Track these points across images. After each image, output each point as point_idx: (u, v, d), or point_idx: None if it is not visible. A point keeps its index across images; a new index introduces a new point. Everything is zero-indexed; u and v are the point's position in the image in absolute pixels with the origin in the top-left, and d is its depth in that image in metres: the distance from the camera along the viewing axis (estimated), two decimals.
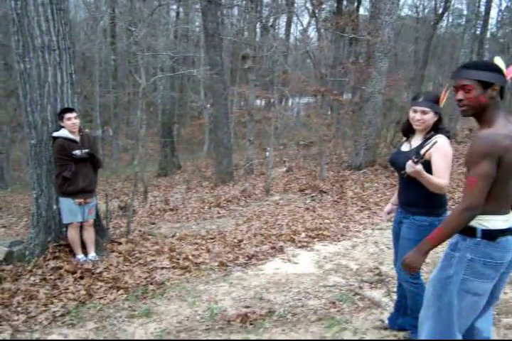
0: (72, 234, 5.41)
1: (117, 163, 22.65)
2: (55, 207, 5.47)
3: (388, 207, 3.70)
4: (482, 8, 25.25)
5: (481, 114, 2.37)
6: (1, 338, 3.81)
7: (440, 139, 3.10)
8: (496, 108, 2.34)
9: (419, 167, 2.93)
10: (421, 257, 2.42)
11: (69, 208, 5.35)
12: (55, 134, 5.25)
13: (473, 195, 2.23)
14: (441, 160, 3.05)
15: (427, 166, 3.08)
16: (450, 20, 33.33)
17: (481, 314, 2.56)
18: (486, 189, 2.23)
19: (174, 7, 25.90)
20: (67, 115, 5.23)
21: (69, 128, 5.26)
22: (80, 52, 27.07)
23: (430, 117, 3.20)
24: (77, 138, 5.34)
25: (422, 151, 3.03)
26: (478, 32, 24.85)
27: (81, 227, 5.49)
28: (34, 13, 5.09)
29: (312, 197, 9.85)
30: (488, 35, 29.33)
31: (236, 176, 13.80)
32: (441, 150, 3.06)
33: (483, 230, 2.35)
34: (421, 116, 3.20)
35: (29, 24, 5.10)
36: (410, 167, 2.94)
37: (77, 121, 5.29)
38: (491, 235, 2.34)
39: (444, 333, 2.48)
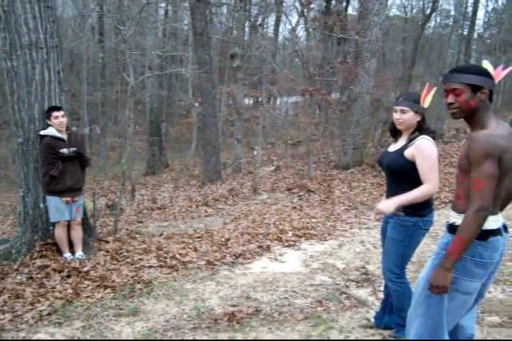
0: (60, 233, 5.39)
1: (105, 161, 22.56)
2: (42, 205, 5.45)
3: None
4: (469, 9, 25.44)
5: (472, 116, 2.41)
6: None
7: (422, 140, 3.13)
8: (487, 110, 2.39)
9: (383, 206, 3.09)
10: (447, 274, 2.35)
11: (56, 206, 5.33)
12: (42, 133, 5.23)
13: (482, 196, 2.25)
14: (425, 162, 3.08)
15: (412, 167, 3.12)
16: (438, 20, 33.58)
17: (467, 312, 2.60)
18: (494, 189, 2.25)
19: (163, 5, 25.83)
20: (55, 113, 5.20)
21: (56, 127, 5.24)
22: (68, 50, 26.92)
23: (410, 116, 3.23)
24: (65, 136, 5.31)
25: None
26: (465, 32, 25.02)
27: (68, 226, 5.47)
28: (21, 10, 5.06)
29: (299, 196, 9.88)
30: (475, 35, 29.58)
31: (224, 175, 13.81)
32: (424, 152, 3.09)
33: None
34: (400, 116, 3.25)
35: (16, 21, 5.07)
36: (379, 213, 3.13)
37: (65, 120, 5.27)
38: (483, 235, 2.36)
39: (433, 331, 2.50)
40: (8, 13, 5.06)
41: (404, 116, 3.23)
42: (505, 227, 2.50)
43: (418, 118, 3.23)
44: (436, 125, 15.51)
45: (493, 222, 2.39)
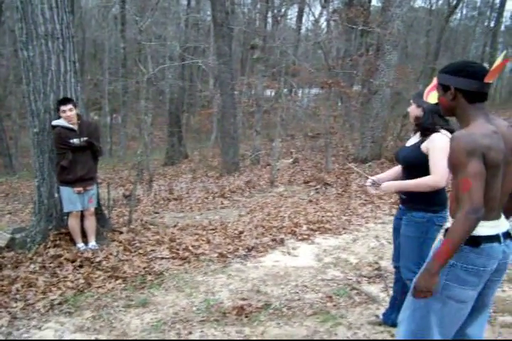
0: (73, 223, 5.44)
1: (125, 151, 22.69)
2: (56, 195, 5.50)
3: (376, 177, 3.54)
4: (497, 0, 25.00)
5: (455, 114, 2.37)
6: (0, 324, 3.84)
7: (438, 135, 3.08)
8: (469, 109, 2.29)
9: (385, 186, 3.18)
10: (432, 279, 2.24)
11: (68, 197, 5.37)
12: (54, 123, 5.27)
13: (471, 197, 2.12)
14: (435, 155, 3.03)
15: (427, 161, 3.08)
16: (464, 12, 33.05)
17: (472, 321, 2.49)
18: (482, 187, 2.14)
19: None
20: (62, 108, 5.23)
21: (66, 120, 5.27)
22: (91, 40, 27.12)
23: (412, 109, 3.29)
24: (75, 126, 5.33)
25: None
26: (492, 24, 24.61)
27: (82, 216, 5.52)
28: (38, 0, 5.09)
29: (316, 189, 9.83)
30: (503, 28, 29.06)
31: (242, 166, 13.79)
32: (436, 145, 3.04)
33: None
34: (409, 108, 3.33)
35: (33, 12, 5.10)
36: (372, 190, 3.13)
37: (72, 113, 5.26)
38: (475, 241, 2.25)
39: (417, 335, 2.43)
40: (25, 4, 5.10)
41: (409, 109, 3.33)
42: (507, 235, 2.35)
43: (419, 113, 3.20)
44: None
45: (488, 228, 2.27)
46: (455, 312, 2.36)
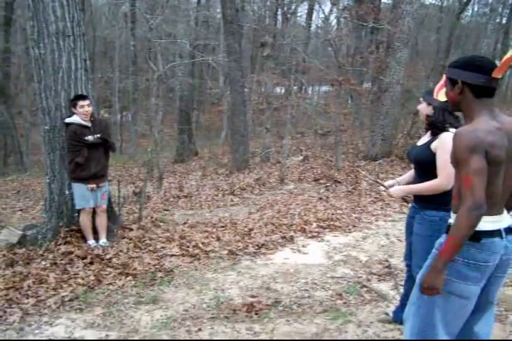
0: (84, 220, 5.47)
1: (135, 148, 22.75)
2: (67, 192, 5.53)
3: (390, 182, 3.56)
4: None
5: (461, 110, 2.39)
6: (11, 320, 3.87)
7: (447, 134, 3.06)
8: (475, 105, 2.29)
9: (393, 190, 3.11)
10: (438, 276, 2.25)
11: (81, 193, 5.40)
12: (68, 120, 5.30)
13: (473, 193, 2.13)
14: (442, 156, 3.01)
15: (434, 161, 3.07)
16: (475, 9, 32.80)
17: (478, 318, 2.49)
18: (484, 184, 2.14)
19: None
20: (80, 102, 5.25)
21: (81, 116, 5.29)
22: (101, 38, 27.19)
23: (422, 108, 3.28)
24: (89, 123, 5.37)
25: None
26: (504, 21, 24.42)
27: (94, 213, 5.55)
28: None
29: (326, 186, 9.83)
30: None
31: (252, 164, 13.80)
32: (444, 146, 3.01)
33: None
34: (419, 106, 3.33)
35: (44, 10, 5.12)
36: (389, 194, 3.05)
37: (90, 109, 5.32)
38: (475, 236, 2.24)
39: (423, 331, 2.43)
40: (37, 2, 5.13)
41: (419, 107, 3.31)
42: (509, 230, 2.35)
43: (429, 111, 3.19)
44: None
45: (489, 223, 2.27)
46: (458, 308, 2.36)
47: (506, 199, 2.37)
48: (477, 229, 2.20)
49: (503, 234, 2.31)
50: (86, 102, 5.28)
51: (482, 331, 2.54)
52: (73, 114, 5.30)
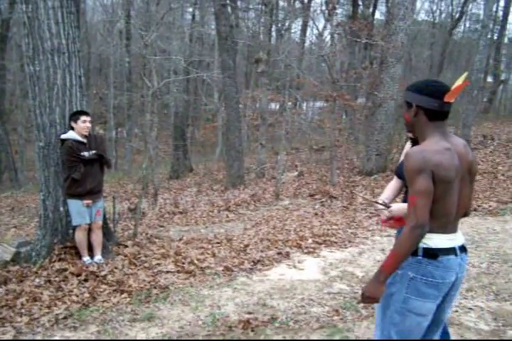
0: (80, 236, 5.43)
1: (130, 164, 22.74)
2: (61, 209, 5.50)
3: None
4: (500, 14, 25.07)
5: (415, 131, 2.48)
6: (4, 339, 3.82)
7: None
8: (428, 127, 2.39)
9: (395, 209, 2.98)
10: (379, 287, 2.33)
11: (77, 210, 5.37)
12: (63, 136, 5.29)
13: (416, 213, 2.21)
14: None
15: None
16: (467, 25, 33.11)
17: (428, 334, 2.55)
18: (428, 204, 2.23)
19: (190, 10, 26.04)
20: (84, 117, 5.28)
21: (81, 131, 5.30)
22: (96, 54, 27.33)
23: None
24: (85, 139, 5.37)
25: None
26: (495, 37, 24.65)
27: (89, 229, 5.51)
28: (44, 16, 5.13)
29: (322, 202, 9.82)
30: (506, 40, 29.11)
31: (247, 180, 13.80)
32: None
33: (424, 248, 2.34)
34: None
35: (39, 27, 5.14)
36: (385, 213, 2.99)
37: (90, 125, 5.36)
38: (432, 253, 2.34)
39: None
40: (32, 19, 5.14)
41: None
42: (463, 248, 2.45)
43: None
44: (463, 131, 15.28)
45: (444, 241, 2.36)
46: (415, 325, 2.43)
47: (460, 217, 2.47)
48: (434, 246, 2.33)
49: (458, 251, 2.40)
50: (89, 118, 5.33)
51: None
52: (71, 129, 5.30)
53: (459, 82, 2.34)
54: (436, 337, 2.62)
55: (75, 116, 5.30)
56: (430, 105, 2.35)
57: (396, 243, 2.30)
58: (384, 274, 2.30)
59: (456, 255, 2.38)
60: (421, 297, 2.36)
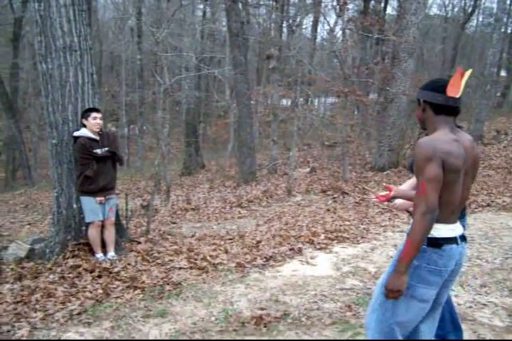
0: (93, 233, 5.46)
1: (142, 161, 22.83)
2: (75, 205, 5.53)
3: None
4: None
5: (426, 126, 2.60)
6: (20, 335, 3.86)
7: None
8: (436, 121, 2.51)
9: (399, 204, 3.18)
10: (401, 278, 2.39)
11: (91, 207, 5.40)
12: (76, 134, 5.32)
13: (426, 199, 2.30)
14: None
15: None
16: (480, 19, 32.81)
17: (426, 318, 2.64)
18: (438, 191, 2.32)
19: (201, 7, 26.02)
20: (94, 114, 5.30)
21: (92, 127, 5.33)
22: (108, 52, 27.42)
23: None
24: (97, 137, 5.40)
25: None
26: (509, 31, 24.44)
27: (102, 226, 5.55)
28: (56, 14, 5.16)
29: (334, 198, 9.81)
30: None
31: (259, 176, 13.80)
32: None
33: (429, 238, 2.41)
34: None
35: (51, 25, 5.17)
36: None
37: (101, 122, 5.37)
38: (437, 243, 2.43)
39: (388, 334, 2.56)
40: (44, 18, 5.17)
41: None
42: (463, 237, 2.56)
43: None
44: (476, 126, 15.20)
45: (447, 231, 2.47)
46: (418, 311, 2.54)
47: (461, 208, 2.59)
48: (438, 236, 2.44)
49: (459, 240, 2.51)
50: (99, 115, 5.36)
51: (427, 329, 2.72)
52: (83, 126, 5.34)
53: (456, 75, 2.46)
54: (432, 319, 2.71)
55: (86, 113, 5.34)
56: (435, 99, 2.48)
57: (410, 230, 2.36)
58: (404, 263, 2.37)
59: (457, 244, 2.49)
60: (425, 284, 2.46)
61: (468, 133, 2.89)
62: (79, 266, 5.15)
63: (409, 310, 2.50)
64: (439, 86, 2.49)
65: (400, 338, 2.55)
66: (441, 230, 2.43)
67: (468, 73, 2.50)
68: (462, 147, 2.41)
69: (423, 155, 2.32)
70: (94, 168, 5.32)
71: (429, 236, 2.40)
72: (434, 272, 2.44)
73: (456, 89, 2.44)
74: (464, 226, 3.27)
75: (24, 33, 22.24)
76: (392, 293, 2.42)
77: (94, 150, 5.33)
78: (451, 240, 2.46)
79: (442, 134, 2.42)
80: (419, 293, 2.46)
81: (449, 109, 2.49)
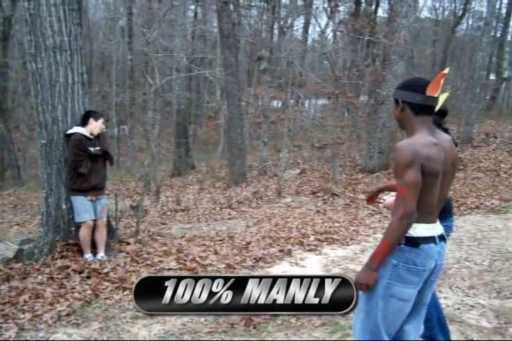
0: (84, 233, 5.43)
1: (132, 162, 22.75)
2: (64, 206, 5.51)
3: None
4: (504, 11, 25.01)
5: (404, 126, 2.58)
6: (7, 336, 3.83)
7: None
8: (414, 121, 2.50)
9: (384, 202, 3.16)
10: (372, 274, 2.46)
11: (82, 206, 5.39)
12: (71, 131, 5.32)
13: (404, 203, 2.33)
14: None
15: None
16: (470, 22, 33.01)
17: (410, 319, 2.65)
18: (416, 195, 2.34)
19: (192, 7, 25.99)
20: (102, 119, 5.48)
21: (94, 129, 5.41)
22: (99, 52, 27.31)
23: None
24: (91, 136, 5.42)
25: None
26: (498, 35, 24.61)
27: (93, 227, 5.52)
28: (46, 13, 5.14)
29: (324, 200, 9.82)
30: (509, 37, 29.04)
31: (249, 177, 13.80)
32: None
33: (406, 237, 2.43)
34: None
35: (41, 24, 5.15)
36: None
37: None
38: (414, 242, 2.44)
39: (374, 334, 2.57)
40: (34, 17, 5.16)
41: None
42: (442, 237, 2.57)
43: None
44: (466, 129, 15.27)
45: (425, 230, 2.48)
46: (398, 310, 2.54)
47: (440, 208, 2.59)
48: (416, 235, 2.44)
49: (437, 240, 2.52)
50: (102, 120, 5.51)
51: (412, 330, 2.72)
52: (81, 125, 5.39)
53: (438, 75, 2.47)
54: (416, 320, 2.71)
55: (97, 114, 5.46)
56: (414, 99, 2.48)
57: (386, 232, 2.41)
58: (376, 262, 2.44)
59: (435, 243, 2.50)
60: (403, 283, 2.47)
61: (457, 136, 2.90)
62: (68, 267, 5.12)
63: (390, 310, 2.52)
64: (417, 86, 2.49)
65: (386, 338, 2.55)
66: (419, 229, 2.45)
67: (445, 71, 2.52)
68: (442, 150, 2.43)
69: (403, 159, 2.34)
70: (88, 166, 5.32)
71: (407, 235, 2.42)
72: (412, 271, 2.46)
73: (435, 89, 2.46)
74: (451, 228, 3.31)
75: (14, 32, 22.10)
76: (361, 286, 2.49)
77: (88, 148, 5.34)
78: (429, 239, 2.48)
79: (421, 137, 2.43)
80: (398, 291, 2.48)
81: (428, 109, 2.51)
